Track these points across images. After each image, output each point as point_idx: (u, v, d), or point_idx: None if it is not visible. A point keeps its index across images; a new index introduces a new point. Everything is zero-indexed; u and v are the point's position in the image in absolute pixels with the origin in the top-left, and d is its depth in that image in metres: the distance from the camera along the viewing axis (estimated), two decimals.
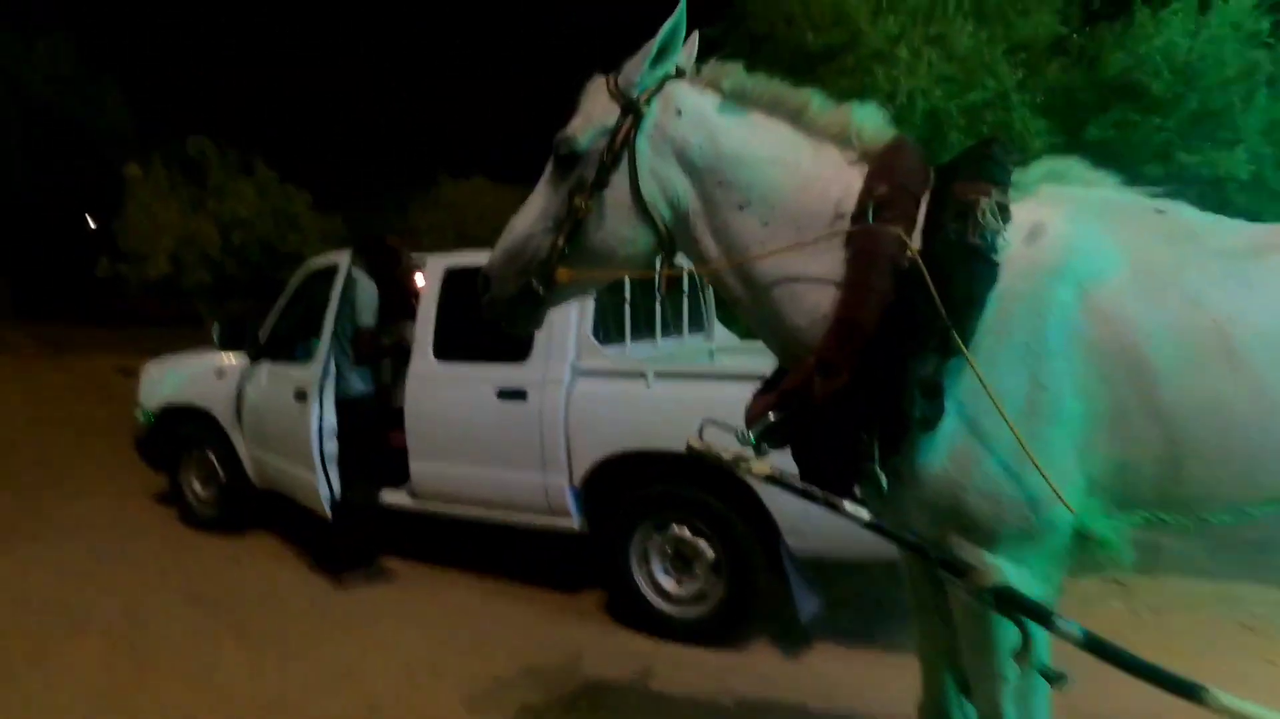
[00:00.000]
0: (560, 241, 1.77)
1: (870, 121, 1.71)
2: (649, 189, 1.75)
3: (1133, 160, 7.78)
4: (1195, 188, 7.80)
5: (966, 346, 1.45)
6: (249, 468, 5.53)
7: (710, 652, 3.76)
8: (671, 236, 1.80)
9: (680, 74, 1.80)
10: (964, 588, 1.52)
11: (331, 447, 4.67)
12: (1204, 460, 1.42)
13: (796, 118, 1.73)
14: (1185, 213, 1.61)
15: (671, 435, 3.71)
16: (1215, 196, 7.53)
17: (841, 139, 1.71)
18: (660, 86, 1.76)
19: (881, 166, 1.64)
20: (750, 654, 3.77)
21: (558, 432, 4.08)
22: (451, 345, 4.57)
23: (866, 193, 1.60)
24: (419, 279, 5.15)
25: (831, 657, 3.71)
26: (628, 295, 4.73)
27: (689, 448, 1.78)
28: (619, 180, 1.75)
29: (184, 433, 5.86)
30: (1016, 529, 1.50)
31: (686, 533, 3.88)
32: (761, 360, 2.98)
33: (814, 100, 1.74)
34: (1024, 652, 1.44)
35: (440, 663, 3.70)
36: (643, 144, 1.74)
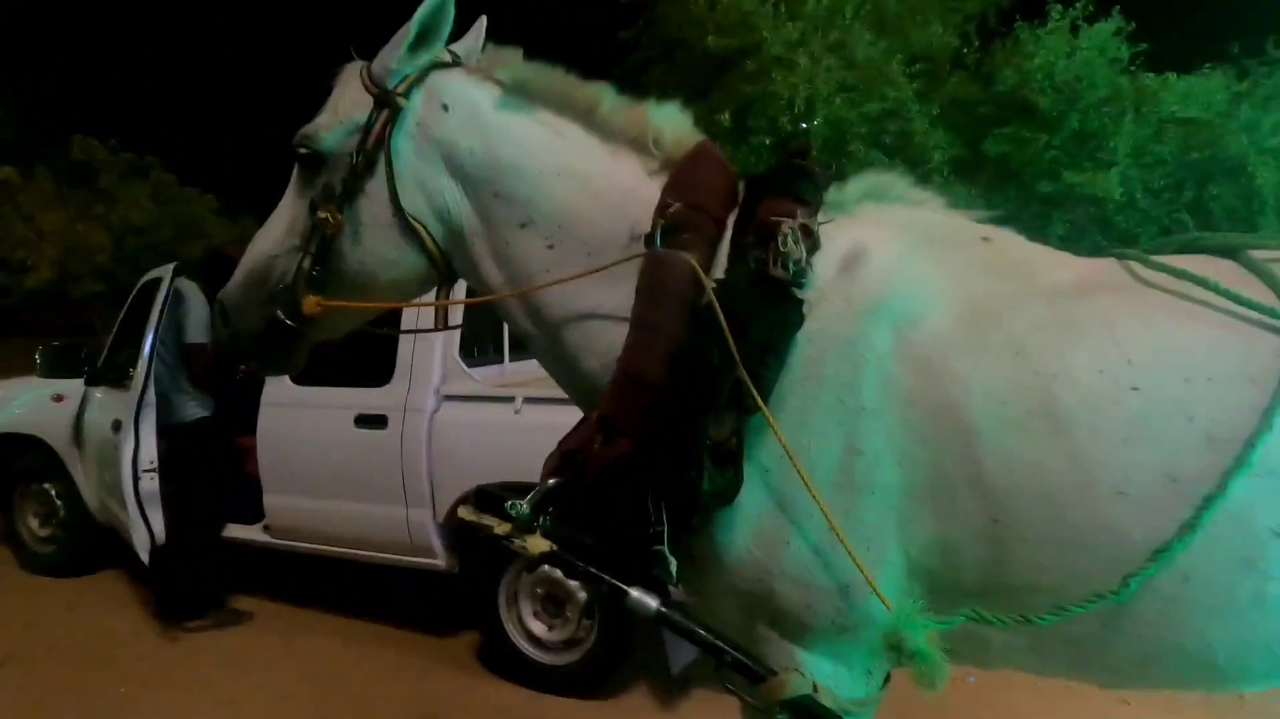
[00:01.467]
0: (307, 264, 1.45)
1: (671, 123, 1.44)
2: (412, 200, 1.45)
3: (1027, 177, 7.95)
4: (1081, 207, 8.01)
5: (766, 401, 1.19)
6: (90, 502, 4.97)
7: (583, 703, 3.48)
8: (446, 258, 1.50)
9: (455, 62, 1.51)
10: (754, 699, 1.26)
11: (150, 482, 4.17)
12: (1026, 543, 1.17)
13: (588, 118, 1.45)
14: (1012, 243, 1.38)
15: (539, 468, 3.46)
16: (1098, 216, 7.75)
17: (640, 145, 1.44)
18: (423, 76, 1.46)
19: (677, 180, 1.37)
20: (623, 706, 3.50)
21: (420, 462, 3.74)
22: (307, 367, 4.16)
23: (659, 212, 1.34)
24: None
25: (708, 706, 3.47)
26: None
27: (460, 518, 1.48)
28: (375, 189, 1.45)
29: (18, 465, 5.26)
30: (830, 622, 1.25)
31: (558, 573, 3.58)
32: None
33: (606, 97, 1.45)
34: None
35: None
36: (402, 144, 1.45)
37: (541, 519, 1.37)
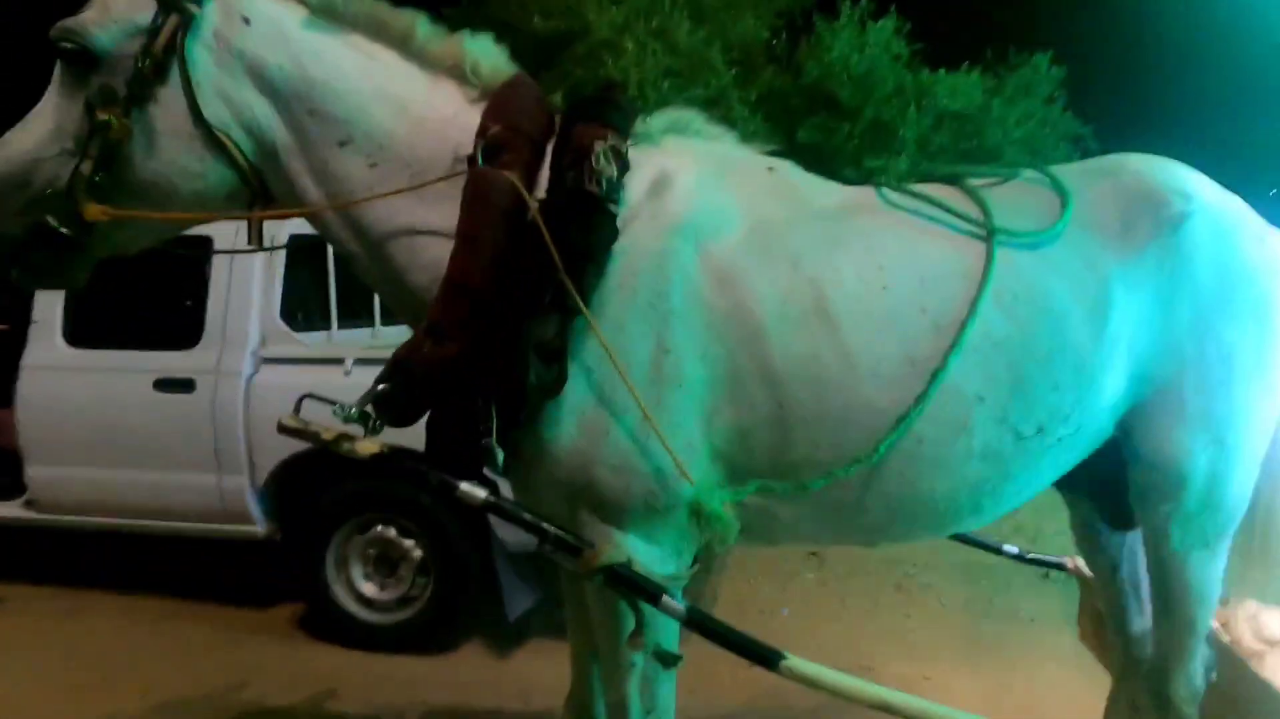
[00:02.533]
0: (87, 168, 1.37)
1: (487, 56, 1.52)
2: (215, 112, 1.42)
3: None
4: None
5: (587, 305, 1.33)
6: None
7: (415, 659, 3.46)
8: (258, 172, 1.48)
9: None
10: (575, 568, 1.41)
11: None
12: (804, 423, 1.42)
13: (404, 45, 1.50)
14: (792, 172, 1.63)
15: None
16: None
17: (458, 74, 1.51)
18: None
19: (496, 105, 1.46)
20: (456, 659, 3.52)
21: (236, 427, 3.55)
22: (89, 328, 3.81)
23: (480, 134, 1.42)
24: None
25: (541, 654, 3.56)
26: (332, 271, 4.25)
27: (280, 426, 1.49)
28: (169, 97, 1.40)
29: None
30: (644, 504, 1.42)
31: (393, 533, 3.56)
32: None
33: (421, 26, 1.50)
34: (637, 634, 1.38)
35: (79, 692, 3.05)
36: (198, 54, 1.41)
37: (371, 423, 1.42)
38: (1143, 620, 1.95)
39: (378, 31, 1.48)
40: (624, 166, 1.40)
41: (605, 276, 1.38)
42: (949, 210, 1.53)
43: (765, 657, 1.38)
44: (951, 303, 1.44)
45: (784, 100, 9.41)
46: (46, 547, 4.31)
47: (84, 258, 1.46)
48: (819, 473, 1.43)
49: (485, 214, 1.37)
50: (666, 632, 1.46)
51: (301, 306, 4.09)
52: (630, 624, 1.40)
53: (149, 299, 3.97)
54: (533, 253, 1.32)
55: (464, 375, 1.37)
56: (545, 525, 1.40)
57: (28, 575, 4.28)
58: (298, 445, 3.46)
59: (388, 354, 1.46)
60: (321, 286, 4.26)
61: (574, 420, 1.39)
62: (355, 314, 4.54)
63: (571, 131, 1.43)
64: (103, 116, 1.35)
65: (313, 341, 4.04)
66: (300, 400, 1.54)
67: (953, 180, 1.65)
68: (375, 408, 1.41)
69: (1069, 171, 1.67)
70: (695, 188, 1.46)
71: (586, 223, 1.34)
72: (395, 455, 1.44)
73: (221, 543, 3.78)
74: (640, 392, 1.33)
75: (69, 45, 1.38)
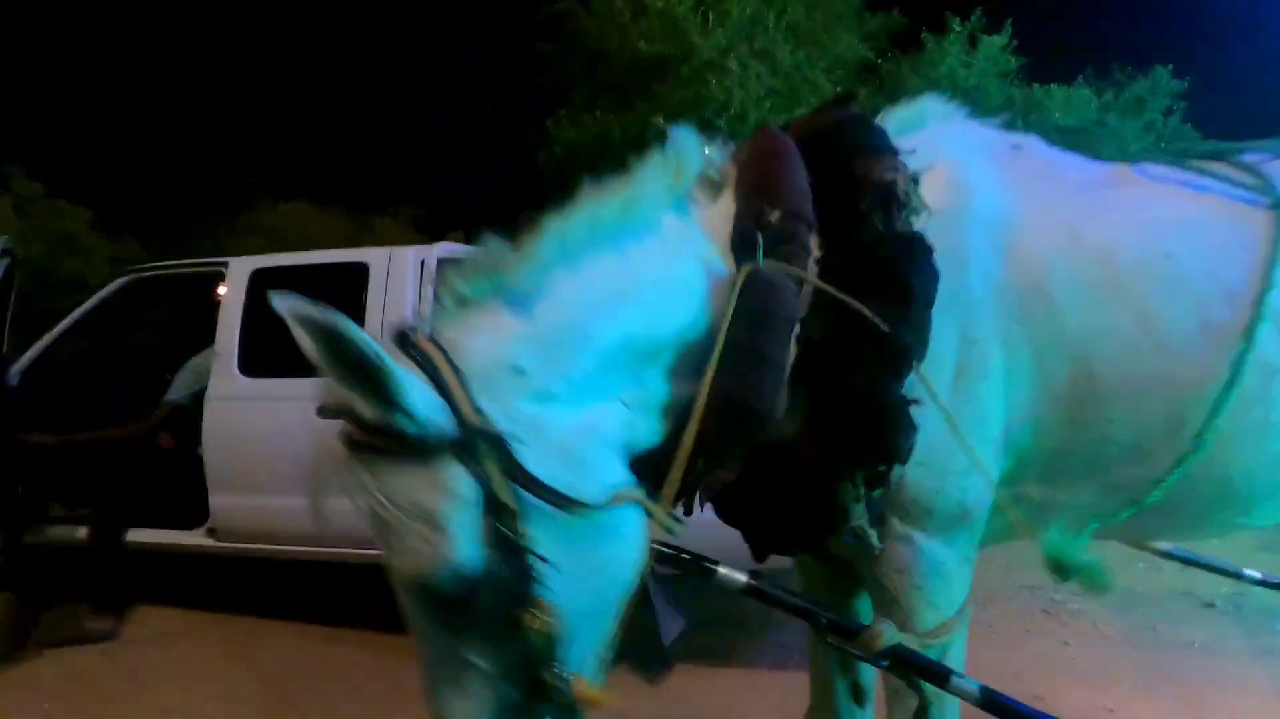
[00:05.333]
0: (550, 677, 1.09)
1: (686, 155, 1.32)
2: (584, 475, 1.12)
3: None
4: None
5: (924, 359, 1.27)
6: None
7: None
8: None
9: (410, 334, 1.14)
10: (854, 651, 1.34)
11: None
12: (1101, 400, 1.37)
13: (628, 220, 1.23)
14: (1038, 148, 1.58)
15: None
16: None
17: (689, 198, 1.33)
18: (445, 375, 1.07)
19: (759, 183, 1.31)
20: (609, 682, 3.47)
21: None
22: (260, 357, 4.00)
23: (753, 220, 1.25)
24: None
25: (693, 678, 3.50)
26: None
27: None
28: (544, 526, 1.08)
29: None
30: (957, 505, 1.36)
31: None
32: None
33: (637, 196, 1.24)
34: (922, 714, 1.33)
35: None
36: (492, 467, 1.04)
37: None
38: None
39: (595, 243, 1.20)
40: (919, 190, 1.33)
41: None
42: (1222, 179, 1.49)
43: None
44: (1239, 270, 1.39)
45: None
46: (221, 575, 4.51)
47: None
48: (1120, 451, 1.38)
49: (774, 328, 1.21)
50: (953, 708, 1.38)
51: None
52: (913, 702, 1.35)
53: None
54: (850, 332, 1.23)
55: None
56: (817, 610, 1.36)
57: (207, 604, 4.47)
58: None
59: None
60: None
61: None
62: None
63: (851, 169, 1.31)
64: (535, 624, 1.05)
65: None
66: None
67: (1218, 155, 1.59)
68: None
69: None
70: (965, 175, 1.42)
71: (916, 266, 1.26)
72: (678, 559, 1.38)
73: (372, 568, 3.86)
74: (949, 387, 1.30)
75: (454, 591, 1.04)
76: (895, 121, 1.50)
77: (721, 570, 1.34)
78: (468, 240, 5.23)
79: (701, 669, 3.56)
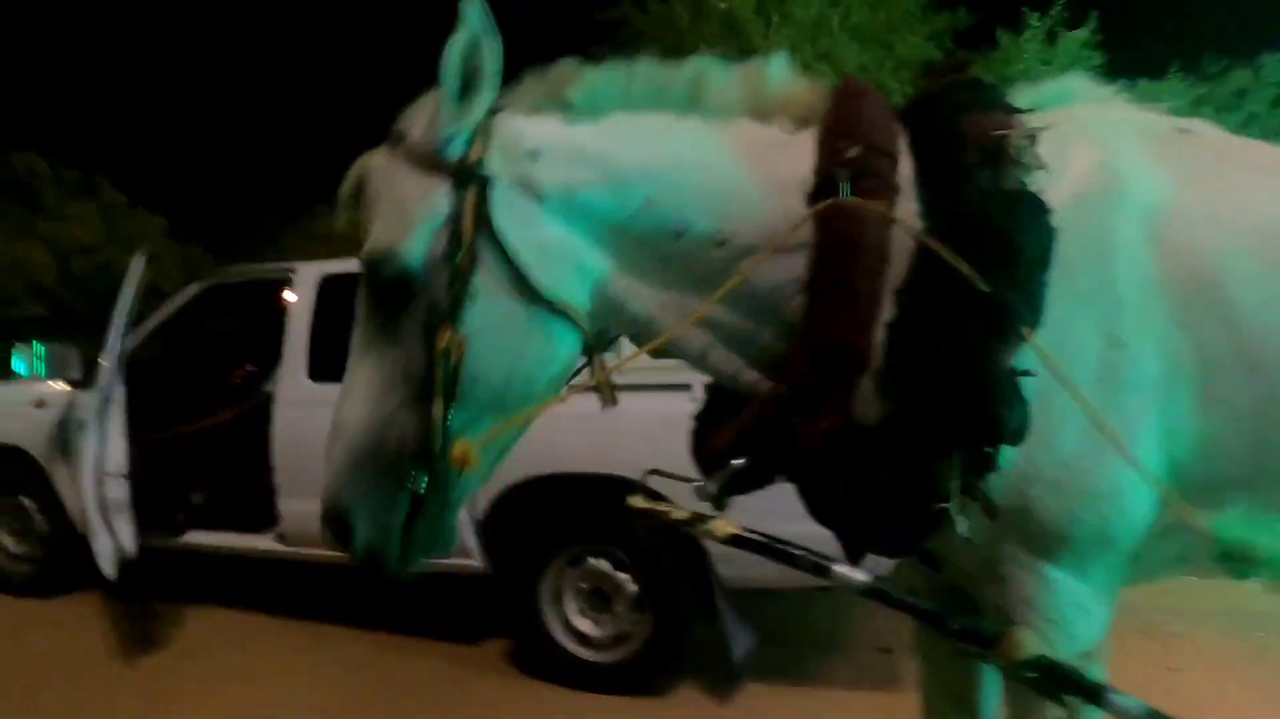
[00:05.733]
0: (439, 410, 1.16)
1: (789, 79, 1.27)
2: (547, 275, 1.18)
3: None
4: None
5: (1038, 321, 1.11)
6: (75, 515, 4.66)
7: (632, 700, 3.34)
8: (593, 317, 1.26)
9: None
10: (993, 662, 1.17)
11: (118, 489, 3.92)
12: None
13: (696, 103, 1.24)
14: (1208, 130, 1.38)
15: (589, 457, 3.36)
16: None
17: (770, 108, 1.26)
18: (485, 129, 1.19)
19: (835, 122, 1.21)
20: (677, 701, 3.37)
21: None
22: (327, 362, 3.98)
23: (826, 160, 1.18)
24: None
25: (765, 696, 3.37)
26: None
27: (631, 509, 1.33)
28: (492, 284, 1.17)
29: None
30: (1094, 532, 1.18)
31: (606, 566, 3.46)
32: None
33: (705, 75, 1.24)
34: None
35: None
36: (503, 219, 1.17)
37: (722, 501, 1.26)
38: None
39: (660, 100, 1.24)
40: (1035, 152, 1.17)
41: None
42: None
43: None
44: None
45: None
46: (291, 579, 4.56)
47: (450, 515, 1.27)
48: None
49: (862, 260, 1.13)
50: None
51: None
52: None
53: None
54: (956, 286, 1.09)
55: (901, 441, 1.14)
56: (943, 614, 1.18)
57: (277, 608, 4.54)
58: (515, 476, 3.49)
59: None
60: None
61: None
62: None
63: (957, 124, 1.19)
64: (443, 342, 1.14)
65: None
66: (646, 476, 1.37)
67: None
68: (732, 483, 1.24)
69: None
70: (1115, 158, 1.23)
71: (1028, 225, 1.11)
72: (756, 538, 1.23)
73: (436, 577, 3.82)
74: (1089, 395, 1.11)
75: (390, 274, 1.17)
76: (1031, 96, 1.34)
77: (838, 568, 1.18)
78: None
79: (775, 688, 3.43)
